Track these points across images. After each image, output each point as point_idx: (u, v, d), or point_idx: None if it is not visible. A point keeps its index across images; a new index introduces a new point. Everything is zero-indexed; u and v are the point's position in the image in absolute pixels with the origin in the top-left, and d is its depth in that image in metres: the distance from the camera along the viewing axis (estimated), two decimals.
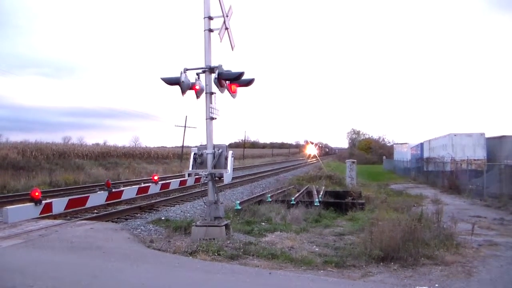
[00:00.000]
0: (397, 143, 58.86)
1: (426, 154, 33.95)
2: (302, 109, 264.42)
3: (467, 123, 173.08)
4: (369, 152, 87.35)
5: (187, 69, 9.21)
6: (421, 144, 37.31)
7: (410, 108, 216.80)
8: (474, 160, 24.44)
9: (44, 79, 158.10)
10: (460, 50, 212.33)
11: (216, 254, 7.59)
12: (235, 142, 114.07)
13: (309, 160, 75.08)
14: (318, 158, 74.16)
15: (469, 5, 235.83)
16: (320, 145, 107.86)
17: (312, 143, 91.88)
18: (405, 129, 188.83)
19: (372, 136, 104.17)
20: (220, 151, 9.51)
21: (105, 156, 44.23)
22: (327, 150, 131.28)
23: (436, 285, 6.22)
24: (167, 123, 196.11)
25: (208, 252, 7.64)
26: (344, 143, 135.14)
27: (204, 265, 6.95)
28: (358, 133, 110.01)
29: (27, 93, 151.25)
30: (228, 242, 8.61)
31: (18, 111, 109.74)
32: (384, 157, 65.35)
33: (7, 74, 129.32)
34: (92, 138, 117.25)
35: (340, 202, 16.97)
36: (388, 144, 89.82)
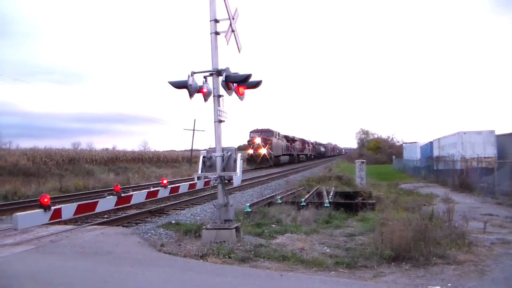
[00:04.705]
0: (406, 142, 58.44)
1: (435, 153, 33.65)
2: (310, 110, 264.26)
3: (476, 121, 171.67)
4: (378, 152, 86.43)
5: (195, 72, 9.21)
6: (431, 143, 36.99)
7: (419, 107, 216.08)
8: (485, 158, 24.14)
9: (53, 85, 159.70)
10: (468, 48, 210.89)
11: (227, 257, 7.58)
12: (244, 144, 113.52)
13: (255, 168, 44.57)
14: (271, 160, 44.38)
15: (475, 3, 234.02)
16: (292, 140, 62.72)
17: (260, 132, 48.79)
18: (414, 128, 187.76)
19: (381, 136, 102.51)
20: (229, 153, 9.50)
21: (114, 161, 44.63)
22: (323, 150, 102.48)
23: (449, 284, 6.15)
24: (176, 127, 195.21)
25: (218, 255, 7.64)
26: (353, 143, 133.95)
27: (215, 268, 6.94)
28: (367, 133, 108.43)
29: (37, 100, 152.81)
30: (239, 244, 8.59)
31: (28, 118, 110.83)
32: (393, 156, 64.81)
33: (17, 81, 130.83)
34: (101, 143, 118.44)
35: (350, 202, 16.87)
36: (397, 144, 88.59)
